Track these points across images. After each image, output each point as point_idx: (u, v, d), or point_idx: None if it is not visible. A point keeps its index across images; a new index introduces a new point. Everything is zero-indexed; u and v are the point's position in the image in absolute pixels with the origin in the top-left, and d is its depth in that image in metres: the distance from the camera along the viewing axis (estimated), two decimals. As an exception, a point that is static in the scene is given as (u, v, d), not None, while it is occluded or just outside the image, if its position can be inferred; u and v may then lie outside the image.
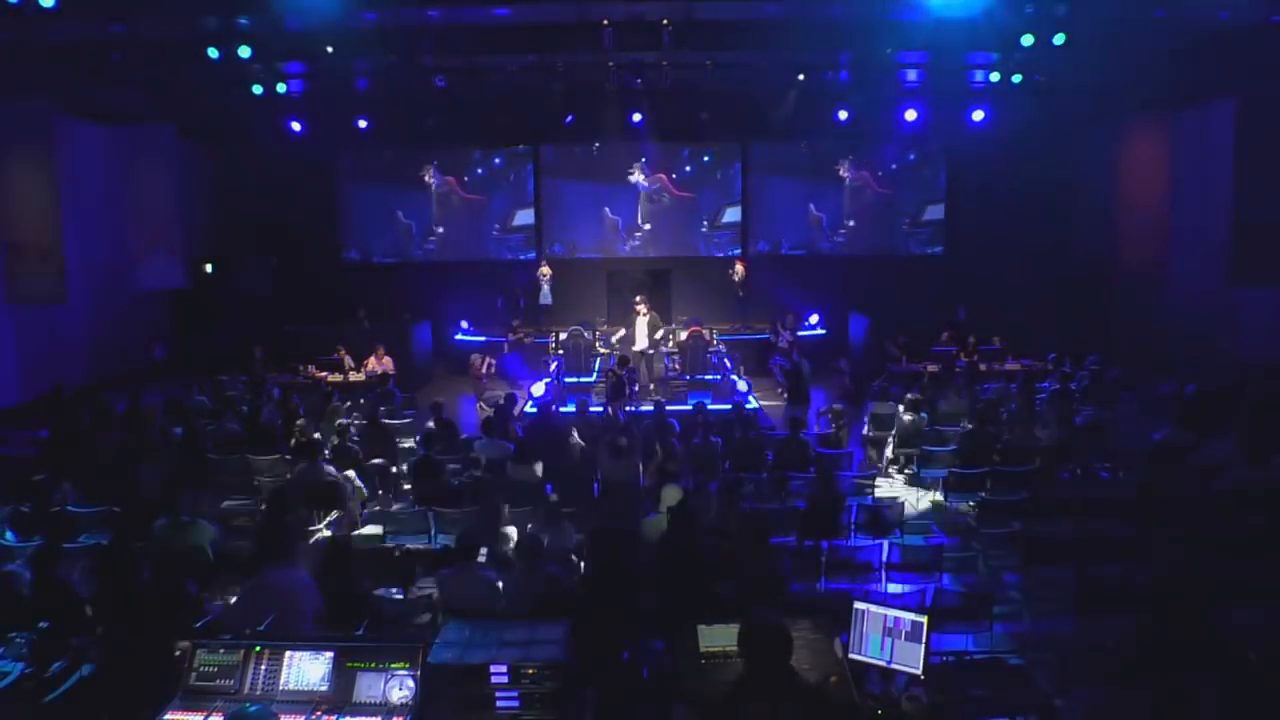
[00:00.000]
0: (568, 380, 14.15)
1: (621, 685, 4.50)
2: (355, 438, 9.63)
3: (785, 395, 12.76)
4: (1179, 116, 14.74)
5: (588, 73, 14.57)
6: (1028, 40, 11.84)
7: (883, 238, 19.06)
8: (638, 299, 14.70)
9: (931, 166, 18.73)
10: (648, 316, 14.37)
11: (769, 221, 19.01)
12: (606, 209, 18.90)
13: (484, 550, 5.93)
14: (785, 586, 5.89)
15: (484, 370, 14.13)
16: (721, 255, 18.66)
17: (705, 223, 19.00)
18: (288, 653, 4.02)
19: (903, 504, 7.73)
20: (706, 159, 18.79)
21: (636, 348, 14.14)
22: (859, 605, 4.39)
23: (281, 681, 3.96)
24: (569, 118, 16.71)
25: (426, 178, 18.69)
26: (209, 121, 16.32)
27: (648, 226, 18.88)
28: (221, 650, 4.05)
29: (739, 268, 17.22)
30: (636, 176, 18.60)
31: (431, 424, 9.64)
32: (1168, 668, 4.55)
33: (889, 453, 10.16)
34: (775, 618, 3.36)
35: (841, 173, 18.86)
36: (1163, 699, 4.40)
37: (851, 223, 19.01)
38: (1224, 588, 5.59)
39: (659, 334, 14.45)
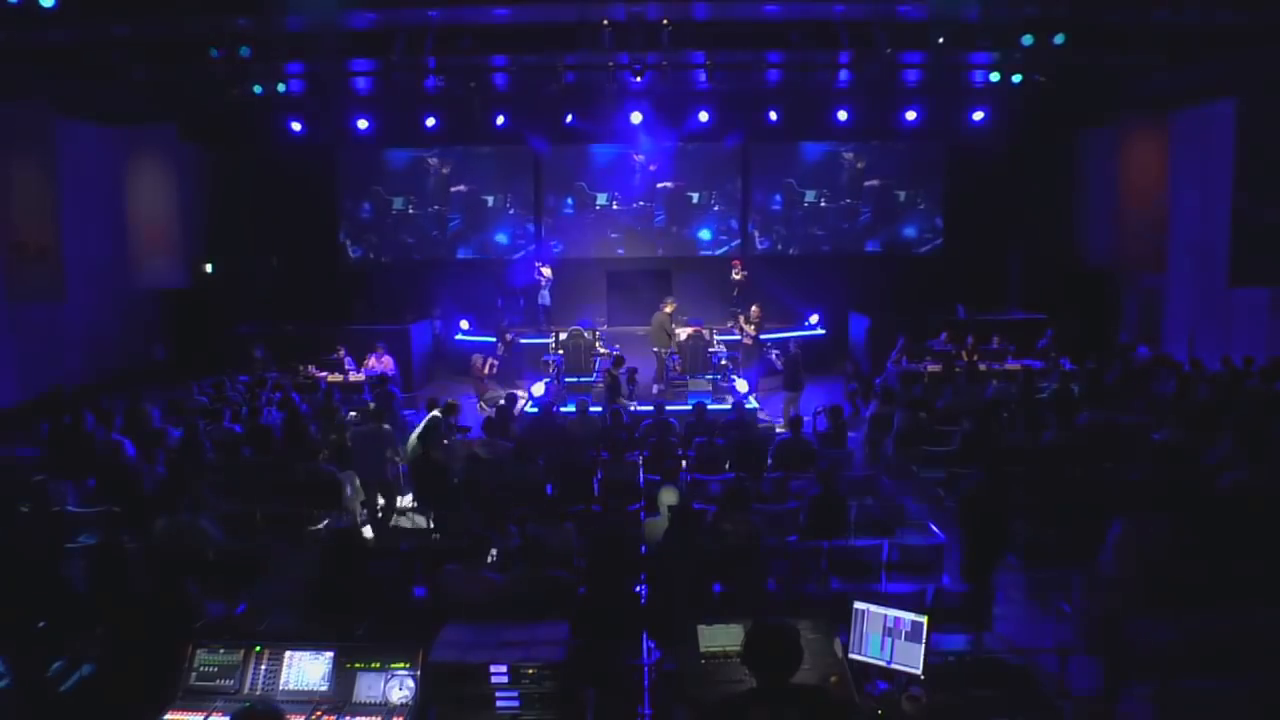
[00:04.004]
0: (568, 380, 14.15)
1: (621, 685, 4.50)
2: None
3: (783, 384, 13.00)
4: (1179, 116, 14.75)
5: (588, 73, 14.57)
6: (1028, 40, 11.84)
7: (882, 237, 19.06)
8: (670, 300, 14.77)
9: (931, 166, 18.72)
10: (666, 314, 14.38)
11: (769, 221, 19.02)
12: (606, 208, 18.91)
13: (493, 550, 5.93)
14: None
15: (485, 371, 14.14)
16: (722, 255, 18.66)
17: (705, 222, 19.02)
18: (288, 652, 4.03)
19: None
20: (706, 159, 18.78)
21: (657, 348, 14.21)
22: (859, 605, 4.39)
23: (282, 681, 3.97)
24: (569, 118, 16.71)
25: (427, 174, 18.70)
26: (209, 121, 16.32)
27: (660, 223, 18.91)
28: (221, 650, 4.05)
29: (736, 267, 17.20)
30: (639, 161, 18.63)
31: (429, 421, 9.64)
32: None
33: (889, 453, 10.15)
34: (784, 623, 3.34)
35: (841, 172, 18.86)
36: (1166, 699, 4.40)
37: (851, 222, 19.00)
38: (1228, 588, 5.58)
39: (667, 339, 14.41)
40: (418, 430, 9.11)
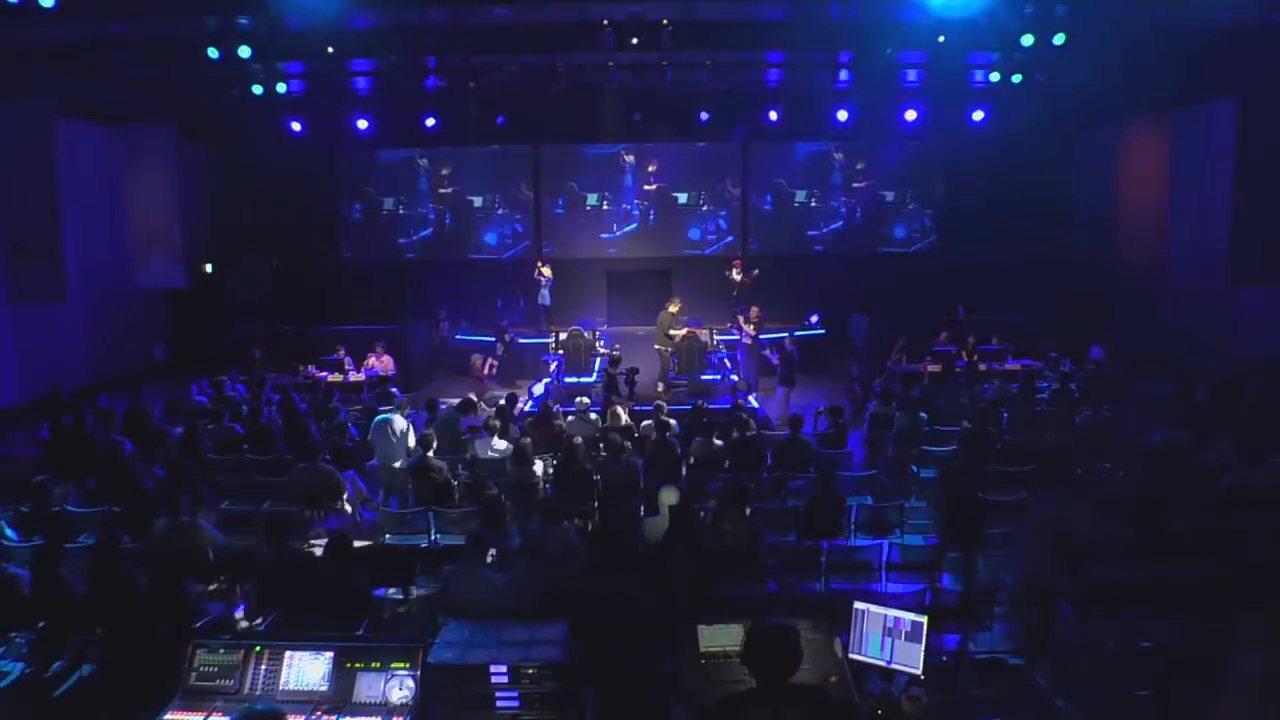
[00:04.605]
0: (568, 381, 14.15)
1: (621, 685, 4.50)
2: (355, 438, 9.64)
3: (779, 379, 13.04)
4: (1179, 116, 14.74)
5: (588, 73, 14.57)
6: (1028, 40, 11.84)
7: (882, 237, 19.07)
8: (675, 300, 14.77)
9: (931, 166, 18.72)
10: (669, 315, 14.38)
11: (768, 221, 19.03)
12: (606, 209, 18.92)
13: (493, 550, 5.93)
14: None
15: (485, 371, 14.14)
16: (719, 255, 18.66)
17: (705, 222, 19.04)
18: (288, 652, 4.03)
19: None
20: (701, 158, 18.79)
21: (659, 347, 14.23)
22: (859, 605, 4.39)
23: (282, 681, 3.97)
24: (568, 118, 16.70)
25: (423, 175, 18.73)
26: (209, 121, 16.33)
27: (649, 223, 18.93)
28: (221, 650, 4.05)
29: (737, 267, 17.19)
30: (629, 161, 18.65)
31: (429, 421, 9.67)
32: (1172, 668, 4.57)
33: (889, 453, 10.14)
34: (784, 624, 3.35)
35: (841, 173, 18.87)
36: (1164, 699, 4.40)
37: (851, 223, 19.01)
38: (1225, 588, 5.58)
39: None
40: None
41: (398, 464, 8.66)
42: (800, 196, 18.94)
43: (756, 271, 16.92)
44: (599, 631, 4.43)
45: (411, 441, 8.76)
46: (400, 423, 8.87)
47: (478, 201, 18.87)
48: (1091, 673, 5.43)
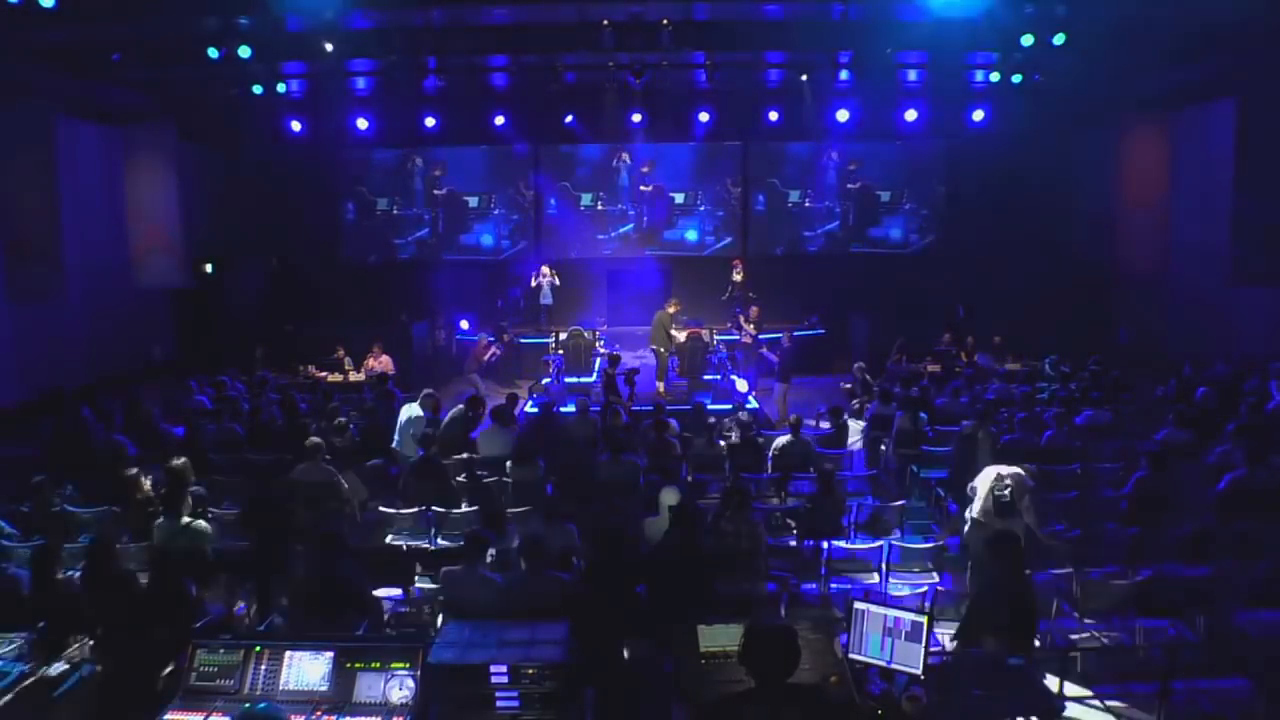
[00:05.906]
0: (568, 380, 14.15)
1: (621, 685, 4.50)
2: (355, 438, 9.64)
3: (777, 373, 13.09)
4: (1179, 116, 14.74)
5: (588, 73, 14.57)
6: (1028, 40, 11.84)
7: (879, 238, 19.06)
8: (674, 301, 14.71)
9: (931, 167, 18.72)
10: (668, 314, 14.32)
11: (768, 221, 19.03)
12: (601, 209, 18.93)
13: (491, 550, 5.93)
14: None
15: (486, 356, 14.21)
16: (719, 255, 18.66)
17: (703, 222, 19.04)
18: (288, 652, 4.03)
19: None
20: (701, 159, 18.78)
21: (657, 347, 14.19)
22: (859, 605, 4.39)
23: (281, 681, 3.97)
24: (569, 118, 16.71)
25: (417, 175, 18.74)
26: (209, 121, 16.32)
27: (644, 223, 18.94)
28: (221, 650, 4.05)
29: (737, 268, 17.18)
30: (624, 161, 18.65)
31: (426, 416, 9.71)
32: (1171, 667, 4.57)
33: (889, 454, 10.14)
34: (781, 624, 3.35)
35: (835, 172, 18.87)
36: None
37: (850, 223, 19.01)
38: (1224, 588, 5.59)
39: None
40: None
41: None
42: (794, 196, 18.94)
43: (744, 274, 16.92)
44: (598, 631, 4.44)
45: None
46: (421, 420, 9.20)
47: (473, 202, 18.88)
48: (1093, 672, 5.43)
